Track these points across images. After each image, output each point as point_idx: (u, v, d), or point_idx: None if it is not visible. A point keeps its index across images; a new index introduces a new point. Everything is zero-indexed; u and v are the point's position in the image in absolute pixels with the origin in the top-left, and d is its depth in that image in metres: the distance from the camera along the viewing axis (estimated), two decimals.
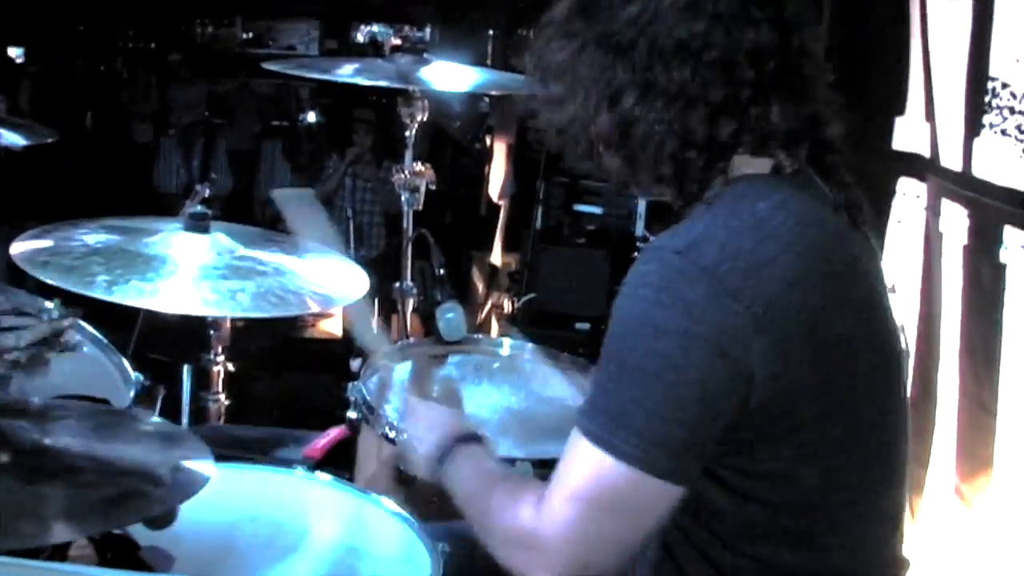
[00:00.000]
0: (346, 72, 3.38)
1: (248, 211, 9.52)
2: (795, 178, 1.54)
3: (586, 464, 1.43)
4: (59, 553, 1.67)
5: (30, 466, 1.45)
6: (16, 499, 1.39)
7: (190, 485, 1.51)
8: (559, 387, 2.74)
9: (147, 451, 1.60)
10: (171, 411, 2.80)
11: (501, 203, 6.72)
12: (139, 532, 1.72)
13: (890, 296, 1.63)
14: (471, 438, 1.80)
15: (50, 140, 2.91)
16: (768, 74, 1.48)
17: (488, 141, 7.99)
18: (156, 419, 1.78)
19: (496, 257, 6.64)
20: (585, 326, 5.50)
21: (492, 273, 6.71)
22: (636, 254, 1.87)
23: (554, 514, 1.45)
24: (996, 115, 2.83)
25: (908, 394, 1.66)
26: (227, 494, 2.04)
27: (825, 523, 1.53)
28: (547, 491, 1.47)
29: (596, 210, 5.95)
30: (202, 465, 1.55)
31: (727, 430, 1.43)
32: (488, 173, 7.37)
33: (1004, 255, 2.82)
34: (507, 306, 6.11)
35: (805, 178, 1.55)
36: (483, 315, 6.42)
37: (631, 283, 1.46)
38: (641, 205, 5.62)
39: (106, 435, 1.63)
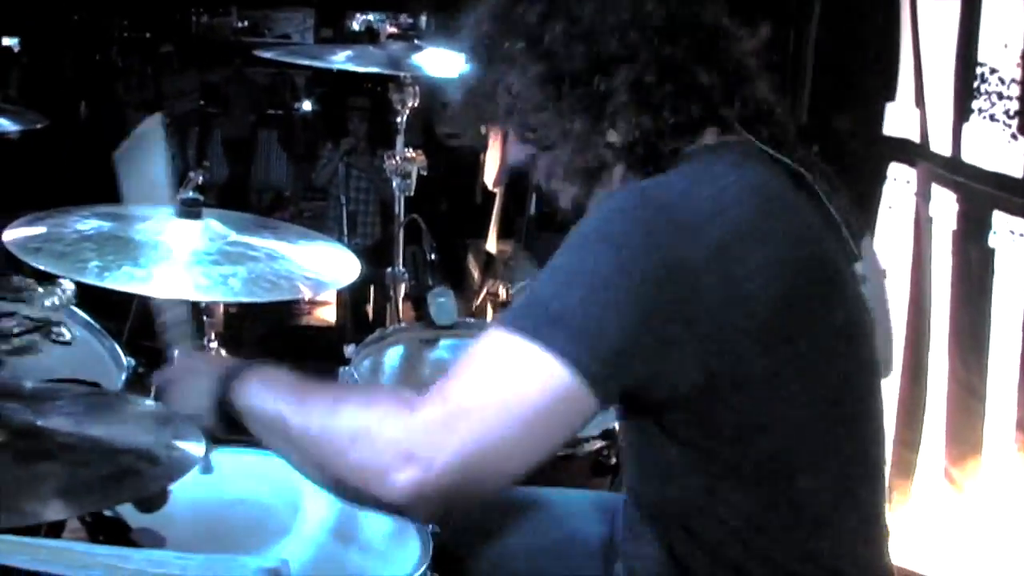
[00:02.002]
0: (338, 59, 3.38)
1: (244, 200, 9.53)
2: (742, 147, 1.57)
3: (507, 354, 1.35)
4: (53, 534, 1.69)
5: (25, 447, 1.46)
6: (12, 478, 1.40)
7: (183, 463, 1.52)
8: None
9: (140, 431, 1.61)
10: None
11: (496, 191, 6.73)
12: (130, 514, 1.74)
13: (858, 268, 1.63)
14: (252, 367, 1.59)
15: (39, 126, 2.91)
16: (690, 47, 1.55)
17: (483, 129, 7.98)
18: (146, 401, 1.79)
19: (491, 244, 6.64)
20: None
21: (487, 260, 6.71)
22: None
23: (454, 396, 1.33)
24: (985, 100, 2.84)
25: (877, 366, 1.64)
26: (218, 477, 2.05)
27: (789, 486, 1.52)
28: (445, 379, 1.35)
29: None
30: (193, 444, 1.56)
31: (681, 376, 1.41)
32: (483, 161, 7.37)
33: (993, 240, 2.84)
34: (502, 293, 6.11)
35: (752, 147, 1.58)
36: (478, 302, 6.42)
37: (596, 209, 1.47)
38: None
39: (99, 416, 1.64)
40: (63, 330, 2.43)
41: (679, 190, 1.46)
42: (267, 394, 1.52)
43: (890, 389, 1.69)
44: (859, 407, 1.60)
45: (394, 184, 3.36)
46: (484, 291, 6.46)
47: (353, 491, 1.38)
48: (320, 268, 2.43)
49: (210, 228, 2.38)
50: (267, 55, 3.64)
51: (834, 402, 1.54)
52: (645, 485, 1.61)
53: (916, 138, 3.25)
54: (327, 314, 7.40)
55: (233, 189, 9.70)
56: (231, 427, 1.59)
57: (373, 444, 1.34)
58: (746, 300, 1.41)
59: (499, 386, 1.34)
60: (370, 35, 11.59)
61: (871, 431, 1.62)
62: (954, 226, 3.04)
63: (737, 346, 1.41)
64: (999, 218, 2.83)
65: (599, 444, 2.34)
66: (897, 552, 1.71)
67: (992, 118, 2.83)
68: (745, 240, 1.43)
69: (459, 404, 1.33)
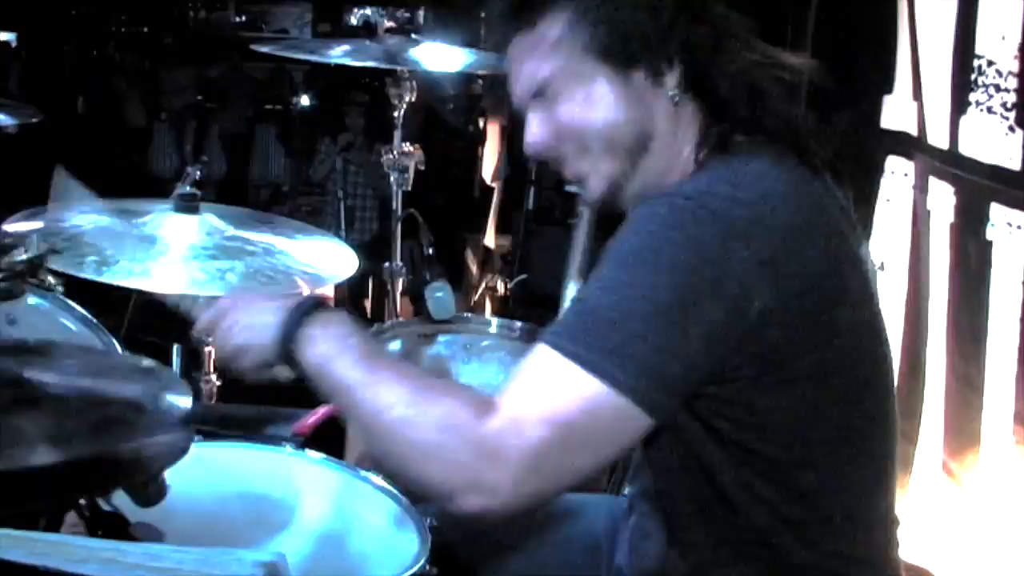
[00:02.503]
0: (336, 54, 3.39)
1: (242, 195, 9.54)
2: (772, 145, 1.56)
3: (573, 388, 1.36)
4: (51, 528, 1.69)
5: (11, 396, 1.46)
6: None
7: (170, 413, 1.52)
8: None
9: (127, 383, 1.61)
10: None
11: (495, 185, 6.73)
12: (129, 508, 1.74)
13: (869, 264, 1.64)
14: (322, 304, 1.56)
15: (35, 120, 2.91)
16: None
17: (481, 123, 8.00)
18: (130, 355, 1.79)
19: (490, 239, 6.65)
20: None
21: (486, 255, 6.72)
22: None
23: (527, 433, 1.35)
24: (982, 93, 2.84)
25: (891, 360, 1.66)
26: (217, 471, 2.06)
27: (821, 480, 1.54)
28: (513, 406, 1.38)
29: None
30: (180, 397, 1.56)
31: (725, 374, 1.43)
32: (481, 155, 7.37)
33: (990, 232, 2.84)
34: (500, 288, 6.12)
35: (781, 146, 1.57)
36: (477, 297, 6.43)
37: (639, 221, 1.45)
38: None
39: (85, 369, 1.65)
40: (48, 277, 2.38)
41: (724, 193, 1.44)
42: (340, 357, 1.48)
43: None
44: (882, 402, 1.62)
45: (392, 179, 3.36)
46: (482, 286, 6.47)
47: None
48: (317, 262, 2.43)
49: (208, 223, 2.39)
50: (265, 50, 3.64)
51: (864, 397, 1.56)
52: (669, 485, 1.61)
53: (914, 131, 3.25)
54: None
55: (231, 184, 9.71)
56: (292, 366, 1.55)
57: (443, 467, 1.38)
58: (800, 300, 1.43)
59: (559, 415, 1.36)
60: (368, 30, 11.61)
61: (890, 425, 1.64)
62: (952, 219, 3.03)
63: (790, 346, 1.43)
64: (997, 211, 2.82)
65: None
66: None
67: (990, 110, 2.82)
68: (798, 240, 1.44)
69: (518, 431, 1.36)
